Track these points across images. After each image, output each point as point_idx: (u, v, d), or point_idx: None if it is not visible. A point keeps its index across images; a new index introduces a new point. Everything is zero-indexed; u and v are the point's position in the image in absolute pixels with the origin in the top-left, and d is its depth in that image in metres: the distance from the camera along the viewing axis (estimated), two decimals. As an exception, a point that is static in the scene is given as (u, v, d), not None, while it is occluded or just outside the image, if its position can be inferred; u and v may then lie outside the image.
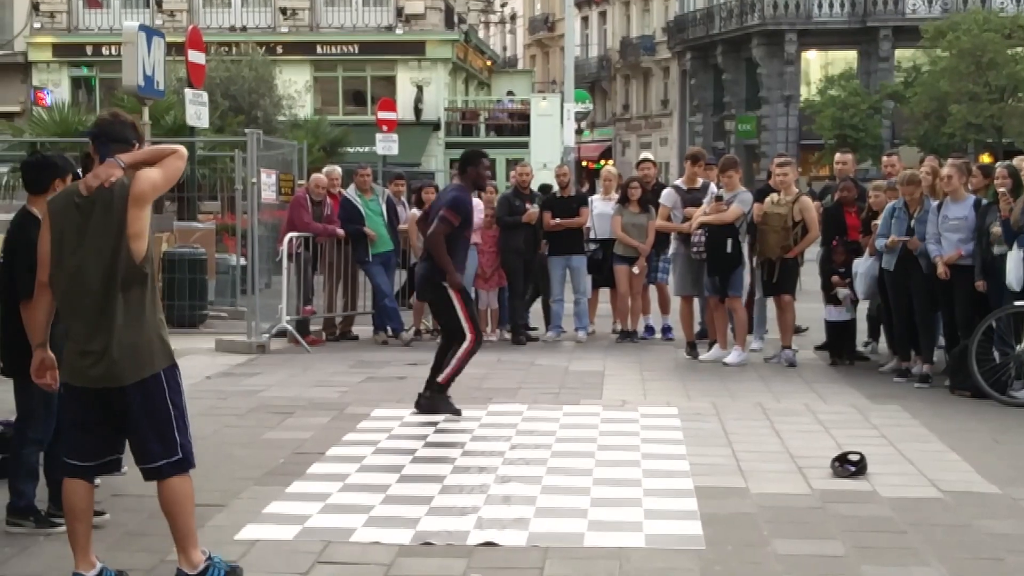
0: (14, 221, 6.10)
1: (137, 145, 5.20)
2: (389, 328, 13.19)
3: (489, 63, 50.14)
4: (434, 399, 8.98)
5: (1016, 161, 10.24)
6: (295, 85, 32.68)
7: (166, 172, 5.11)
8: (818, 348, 12.25)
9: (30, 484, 6.08)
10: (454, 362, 8.97)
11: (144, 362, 4.99)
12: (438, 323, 9.31)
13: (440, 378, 8.98)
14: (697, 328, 12.47)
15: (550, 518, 6.21)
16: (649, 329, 13.51)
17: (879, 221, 10.68)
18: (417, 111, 39.59)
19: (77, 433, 5.14)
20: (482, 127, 43.11)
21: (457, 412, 8.89)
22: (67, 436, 5.25)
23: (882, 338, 11.98)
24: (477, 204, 13.24)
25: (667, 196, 12.47)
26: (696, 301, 12.39)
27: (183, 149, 5.27)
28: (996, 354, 9.65)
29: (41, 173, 6.09)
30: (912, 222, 10.31)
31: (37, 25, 39.28)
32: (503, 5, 64.04)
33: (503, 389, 10.12)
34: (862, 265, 11.07)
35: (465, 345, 8.96)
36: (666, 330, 13.38)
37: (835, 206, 11.74)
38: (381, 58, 40.18)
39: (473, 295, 13.28)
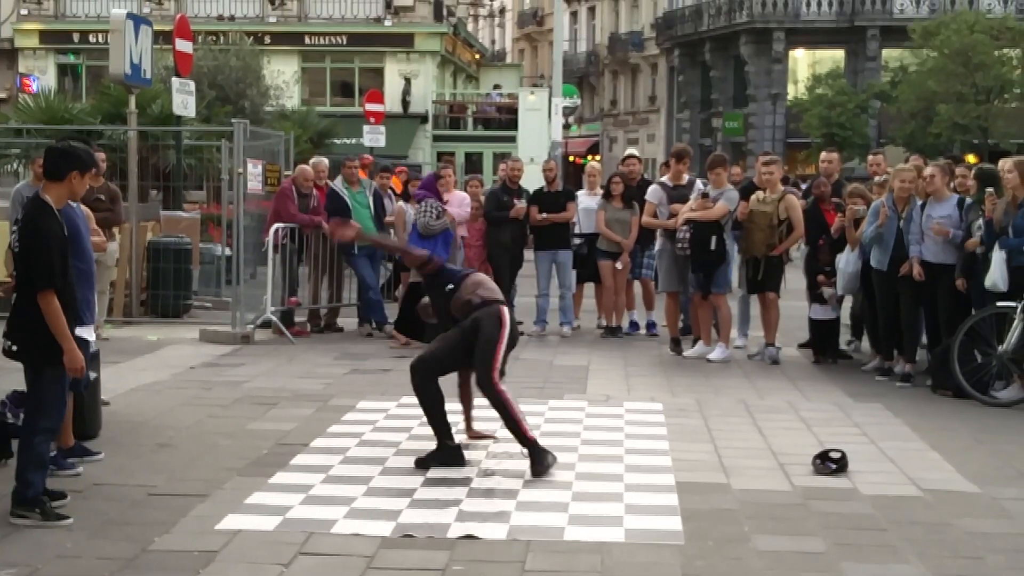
0: (27, 208, 6.00)
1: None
2: (373, 321, 13.19)
3: (477, 56, 50.12)
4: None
5: (1001, 163, 10.28)
6: (283, 75, 32.57)
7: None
8: (801, 346, 12.30)
9: (39, 474, 5.97)
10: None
11: None
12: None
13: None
14: (680, 324, 12.50)
15: (531, 512, 6.23)
16: (633, 325, 13.53)
17: (865, 218, 10.72)
18: (405, 103, 39.56)
19: None
20: (470, 120, 43.09)
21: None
22: None
23: (864, 337, 12.02)
24: (463, 197, 13.27)
25: (653, 192, 12.48)
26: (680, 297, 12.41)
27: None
28: (978, 354, 9.69)
29: (60, 162, 6.02)
30: (900, 222, 10.33)
31: (24, 11, 39.10)
32: (492, -1, 63.96)
33: (487, 383, 10.11)
34: (843, 261, 11.12)
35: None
36: (650, 326, 13.40)
37: (812, 204, 11.83)
38: (369, 50, 40.15)
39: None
